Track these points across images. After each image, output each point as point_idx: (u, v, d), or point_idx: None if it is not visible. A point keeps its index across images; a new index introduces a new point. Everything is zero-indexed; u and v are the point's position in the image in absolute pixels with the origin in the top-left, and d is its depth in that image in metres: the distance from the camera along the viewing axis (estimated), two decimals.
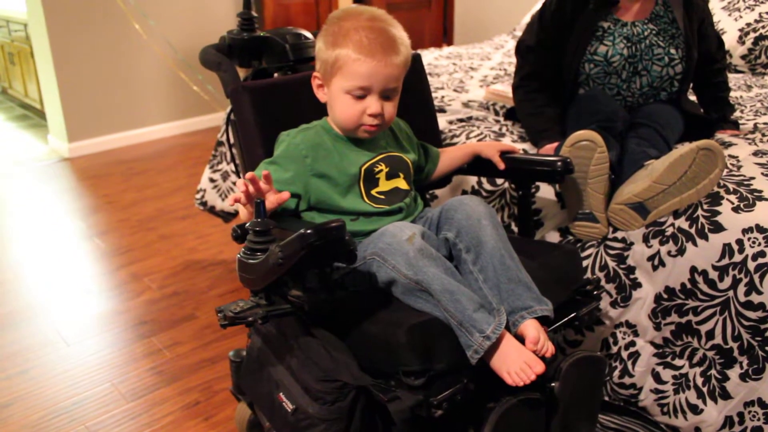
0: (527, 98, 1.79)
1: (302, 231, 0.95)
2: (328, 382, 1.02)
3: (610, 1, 1.70)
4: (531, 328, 1.11)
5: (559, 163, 1.38)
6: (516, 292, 1.13)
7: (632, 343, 1.45)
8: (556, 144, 1.59)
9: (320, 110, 1.31)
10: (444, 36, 4.93)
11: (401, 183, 1.29)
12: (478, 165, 1.48)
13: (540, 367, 1.06)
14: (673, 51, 1.71)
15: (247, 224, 1.03)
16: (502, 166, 1.42)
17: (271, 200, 1.11)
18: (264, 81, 1.37)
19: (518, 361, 1.06)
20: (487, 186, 1.67)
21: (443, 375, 1.07)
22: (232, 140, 1.40)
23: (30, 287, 2.40)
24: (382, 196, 1.26)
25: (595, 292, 1.33)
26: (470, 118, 1.97)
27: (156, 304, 2.26)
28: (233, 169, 1.51)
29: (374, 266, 1.13)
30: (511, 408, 1.05)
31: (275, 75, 1.45)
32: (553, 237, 1.54)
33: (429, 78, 2.54)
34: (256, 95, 1.30)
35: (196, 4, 4.10)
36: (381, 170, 1.26)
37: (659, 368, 1.41)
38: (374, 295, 1.15)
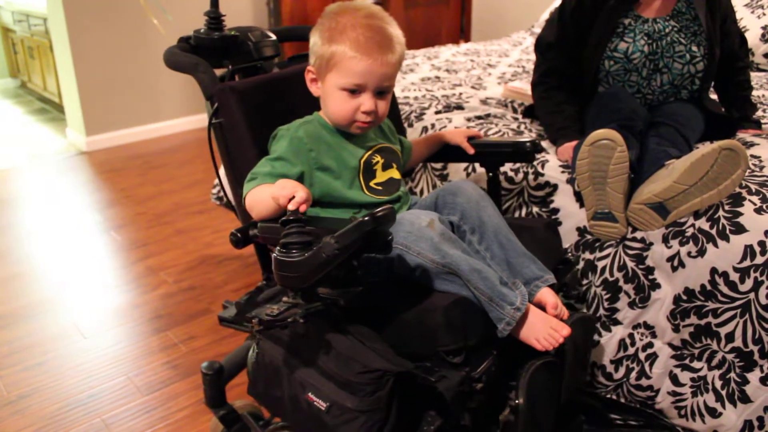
0: (546, 95, 1.77)
1: (360, 219, 0.96)
2: (368, 373, 1.02)
3: None
4: (548, 294, 1.21)
5: (527, 144, 1.46)
6: (525, 264, 1.23)
7: (650, 345, 1.43)
8: (575, 143, 1.58)
9: (309, 106, 1.29)
10: (461, 32, 4.91)
11: (395, 173, 1.31)
12: (447, 152, 1.54)
13: (567, 330, 1.15)
14: (694, 48, 1.68)
15: (281, 222, 1.00)
16: (471, 151, 1.48)
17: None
18: (249, 80, 1.33)
19: (545, 328, 1.14)
20: (505, 184, 1.66)
21: (474, 350, 1.13)
22: (214, 144, 1.33)
23: (47, 280, 2.43)
24: (380, 187, 1.28)
25: (571, 258, 1.47)
26: (488, 115, 1.96)
27: (172, 298, 2.27)
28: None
29: (395, 255, 1.15)
30: (537, 369, 1.13)
31: (236, 76, 1.40)
32: (572, 236, 1.52)
33: (446, 74, 2.53)
34: (244, 95, 1.27)
35: None
36: (378, 161, 1.28)
37: (677, 370, 1.40)
38: (396, 284, 1.18)
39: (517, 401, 1.10)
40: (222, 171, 1.40)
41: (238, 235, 1.16)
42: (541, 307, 1.19)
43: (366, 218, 0.96)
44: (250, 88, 1.29)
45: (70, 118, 4.03)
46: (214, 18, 1.34)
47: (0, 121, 4.64)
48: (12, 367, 1.93)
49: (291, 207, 1.04)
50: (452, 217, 1.26)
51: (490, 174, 1.53)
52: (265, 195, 1.12)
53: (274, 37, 1.40)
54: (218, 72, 1.32)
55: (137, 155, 3.79)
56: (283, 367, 1.09)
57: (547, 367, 1.15)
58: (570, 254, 1.50)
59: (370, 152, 1.27)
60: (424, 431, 1.07)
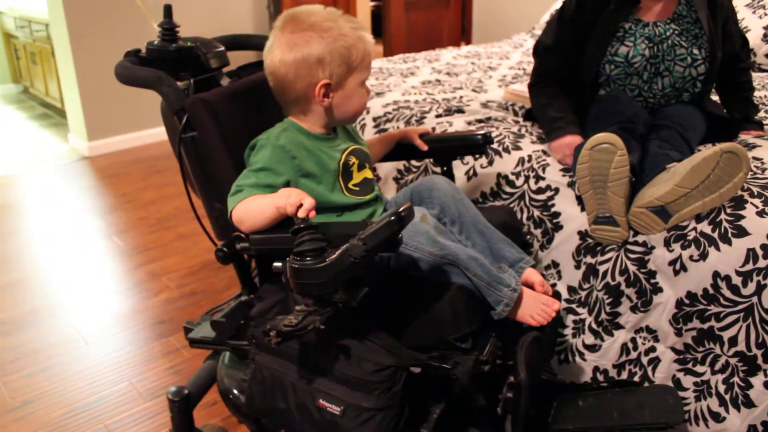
0: (541, 92, 1.78)
1: (388, 219, 0.98)
2: (382, 371, 1.02)
3: (632, 1, 1.68)
4: (533, 274, 1.30)
5: (479, 137, 1.51)
6: (506, 248, 1.30)
7: (652, 349, 1.42)
8: (567, 138, 1.60)
9: (277, 113, 1.29)
10: (462, 34, 4.91)
11: (368, 173, 1.33)
12: (401, 150, 1.56)
13: (558, 305, 1.24)
14: (696, 51, 1.68)
15: (292, 230, 0.99)
16: (425, 148, 1.52)
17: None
18: (217, 91, 1.30)
19: (537, 305, 1.23)
20: (506, 188, 1.66)
21: (476, 335, 1.19)
22: (185, 159, 1.29)
23: (50, 285, 2.43)
24: (357, 188, 1.29)
25: (530, 240, 1.59)
26: (489, 118, 1.95)
27: (174, 303, 2.27)
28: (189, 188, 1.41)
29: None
30: (530, 344, 1.21)
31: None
32: (573, 240, 1.51)
33: (447, 77, 2.53)
34: (216, 107, 1.24)
35: (215, 3, 4.12)
36: (354, 163, 1.29)
37: (680, 375, 1.39)
38: (394, 280, 1.21)
39: (517, 377, 1.15)
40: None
41: (225, 250, 1.14)
42: (528, 286, 1.27)
43: (392, 218, 0.99)
44: (219, 99, 1.27)
45: (72, 124, 4.04)
46: (168, 29, 1.31)
47: (2, 127, 4.65)
48: (16, 372, 1.93)
49: (301, 214, 1.05)
50: (432, 211, 1.31)
51: (444, 168, 1.56)
52: (262, 206, 1.12)
53: (222, 47, 1.37)
54: None
55: (139, 160, 3.79)
56: (288, 378, 1.08)
57: (537, 341, 1.23)
58: (529, 238, 1.61)
59: (345, 154, 1.28)
60: (428, 419, 1.09)
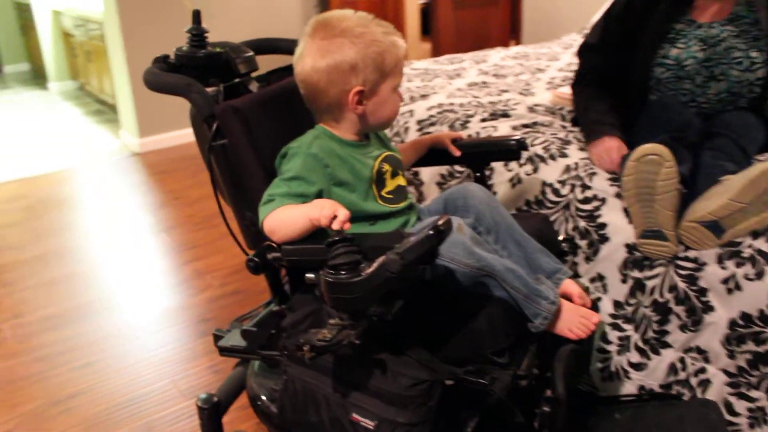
0: (582, 92, 1.74)
1: (427, 233, 0.96)
2: (418, 385, 1.01)
3: (685, 1, 1.61)
4: (572, 285, 1.27)
5: (512, 142, 1.48)
6: (543, 259, 1.27)
7: (703, 370, 1.36)
8: (607, 140, 1.56)
9: (309, 119, 1.27)
10: (512, 33, 4.82)
11: (402, 180, 1.30)
12: (434, 156, 1.54)
13: (597, 317, 1.21)
14: (754, 54, 1.59)
15: (327, 243, 0.97)
16: (457, 153, 1.50)
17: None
18: (247, 98, 1.27)
19: (576, 317, 1.20)
20: (551, 197, 1.61)
21: (513, 348, 1.16)
22: (215, 168, 1.26)
23: (103, 279, 2.51)
24: (391, 196, 1.27)
25: (566, 249, 1.54)
26: (535, 123, 1.91)
27: (217, 302, 2.31)
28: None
29: None
30: (568, 356, 1.18)
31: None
32: (620, 253, 1.46)
33: (494, 79, 2.48)
34: (246, 114, 1.21)
35: (264, 5, 4.16)
36: (387, 170, 1.27)
37: (732, 399, 1.33)
38: (429, 292, 1.18)
39: (555, 392, 1.12)
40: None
41: (256, 260, 1.12)
42: (566, 297, 1.23)
43: (431, 232, 0.97)
44: (250, 106, 1.24)
45: (123, 120, 4.15)
46: (197, 35, 1.28)
47: (60, 122, 4.82)
48: (65, 365, 2.00)
49: (335, 226, 1.03)
50: (466, 220, 1.27)
51: (477, 174, 1.53)
52: (294, 216, 1.10)
53: (251, 52, 1.35)
54: None
55: (187, 157, 3.87)
56: (321, 391, 1.07)
57: (574, 354, 1.19)
58: (565, 246, 1.57)
59: (379, 161, 1.26)
60: None
